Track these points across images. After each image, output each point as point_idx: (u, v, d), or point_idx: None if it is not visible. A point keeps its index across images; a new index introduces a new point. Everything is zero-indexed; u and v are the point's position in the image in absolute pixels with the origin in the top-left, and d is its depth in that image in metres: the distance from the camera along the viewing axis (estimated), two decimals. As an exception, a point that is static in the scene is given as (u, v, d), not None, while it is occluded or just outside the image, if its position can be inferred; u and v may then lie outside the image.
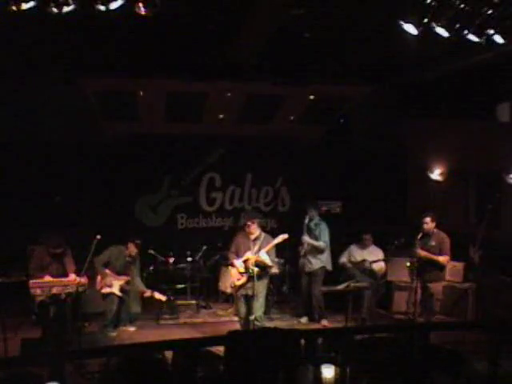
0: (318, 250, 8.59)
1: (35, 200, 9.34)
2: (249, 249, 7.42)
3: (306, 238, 8.55)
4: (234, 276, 7.58)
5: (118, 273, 7.97)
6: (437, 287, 7.87)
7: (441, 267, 7.82)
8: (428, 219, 7.78)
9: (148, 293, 8.10)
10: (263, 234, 7.56)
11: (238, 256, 7.50)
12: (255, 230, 7.50)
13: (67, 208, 9.52)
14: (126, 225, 9.94)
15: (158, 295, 8.07)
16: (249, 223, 7.51)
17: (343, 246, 9.08)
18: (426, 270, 7.75)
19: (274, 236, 7.57)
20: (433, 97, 9.14)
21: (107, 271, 7.91)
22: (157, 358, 4.49)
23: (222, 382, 4.51)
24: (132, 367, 4.29)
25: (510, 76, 8.02)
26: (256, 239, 7.47)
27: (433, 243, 7.79)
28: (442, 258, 7.74)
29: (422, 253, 7.72)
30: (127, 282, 8.00)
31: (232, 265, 7.60)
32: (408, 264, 8.18)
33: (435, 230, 7.84)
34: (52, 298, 7.13)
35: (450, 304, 8.55)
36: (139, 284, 8.21)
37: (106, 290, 7.90)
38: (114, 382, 4.38)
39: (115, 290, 7.90)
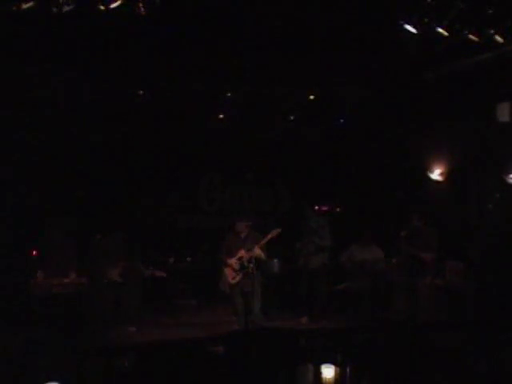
0: (320, 248, 8.60)
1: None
2: (240, 247, 7.55)
3: (313, 238, 8.55)
4: (229, 275, 7.68)
5: (118, 260, 7.99)
6: (424, 285, 7.98)
7: (428, 264, 7.93)
8: (415, 216, 7.96)
9: (148, 272, 8.23)
10: (252, 232, 7.70)
11: (231, 256, 7.63)
12: (243, 229, 7.68)
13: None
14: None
15: (158, 273, 8.32)
16: (237, 223, 7.74)
17: (343, 246, 9.08)
18: (413, 267, 7.87)
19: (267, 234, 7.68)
20: (433, 97, 9.14)
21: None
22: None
23: (222, 382, 4.51)
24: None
25: (510, 76, 8.01)
26: (246, 237, 7.58)
27: (420, 241, 7.91)
28: (426, 255, 7.87)
29: (410, 250, 7.88)
30: (126, 267, 7.99)
31: (226, 264, 7.69)
32: (394, 260, 8.28)
33: (423, 228, 7.97)
34: (53, 297, 7.15)
35: (449, 303, 8.55)
36: (140, 266, 8.28)
37: (107, 278, 7.91)
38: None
39: (114, 275, 7.90)
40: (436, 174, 9.87)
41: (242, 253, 7.54)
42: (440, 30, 5.86)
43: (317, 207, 9.95)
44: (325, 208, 10.40)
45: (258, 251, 7.43)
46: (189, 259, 9.54)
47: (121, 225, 8.30)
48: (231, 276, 7.63)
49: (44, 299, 7.15)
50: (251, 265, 7.37)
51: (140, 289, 8.31)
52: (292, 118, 10.53)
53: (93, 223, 9.12)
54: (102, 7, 5.26)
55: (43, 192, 9.26)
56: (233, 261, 7.57)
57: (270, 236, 7.55)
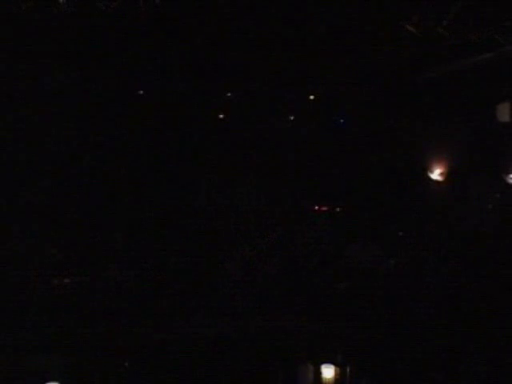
0: (319, 248, 8.63)
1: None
2: (244, 245, 7.61)
3: (313, 238, 8.61)
4: (232, 273, 7.71)
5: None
6: (423, 284, 8.05)
7: (426, 264, 8.01)
8: (414, 216, 8.09)
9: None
10: (254, 231, 7.77)
11: (234, 254, 7.67)
12: (245, 228, 7.71)
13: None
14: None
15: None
16: (238, 222, 7.77)
17: (343, 246, 9.08)
18: (412, 267, 7.99)
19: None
20: (433, 97, 9.14)
21: None
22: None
23: (222, 381, 4.51)
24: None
25: (510, 76, 8.02)
26: (248, 236, 7.66)
27: (419, 241, 8.00)
28: (424, 255, 7.95)
29: (409, 249, 7.97)
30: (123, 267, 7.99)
31: (231, 262, 7.72)
32: (392, 260, 8.33)
33: (422, 228, 8.06)
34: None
35: (448, 303, 8.55)
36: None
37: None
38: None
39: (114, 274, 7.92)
40: (436, 174, 9.87)
41: (246, 251, 7.58)
42: (440, 30, 5.86)
43: (317, 207, 9.96)
44: (325, 208, 10.39)
45: (266, 250, 7.54)
46: (188, 259, 9.52)
47: (120, 225, 8.29)
48: (234, 273, 7.65)
49: (44, 299, 7.16)
50: (256, 263, 7.45)
51: (138, 288, 8.29)
52: (292, 118, 10.53)
53: (92, 223, 9.12)
54: (102, 7, 5.26)
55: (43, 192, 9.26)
56: (238, 258, 7.62)
57: (276, 235, 7.62)
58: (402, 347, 5.36)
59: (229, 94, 9.43)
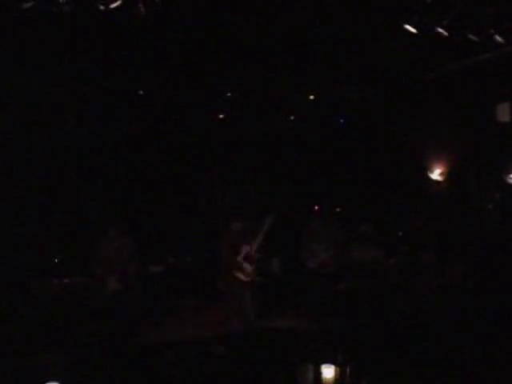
0: (320, 248, 8.64)
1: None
2: (243, 245, 7.68)
3: (313, 238, 8.63)
4: (240, 274, 7.73)
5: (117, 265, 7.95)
6: (424, 285, 8.06)
7: (426, 264, 8.05)
8: (414, 216, 8.11)
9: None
10: (249, 231, 7.83)
11: (236, 254, 7.67)
12: (241, 228, 7.83)
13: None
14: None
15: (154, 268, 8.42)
16: (234, 222, 7.89)
17: (343, 246, 9.08)
18: (412, 267, 8.01)
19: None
20: (433, 97, 9.15)
21: None
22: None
23: (222, 382, 4.52)
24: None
25: (510, 76, 8.03)
26: (246, 235, 7.75)
27: (418, 241, 8.03)
28: (424, 255, 7.96)
29: (408, 249, 8.01)
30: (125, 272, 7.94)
31: (235, 263, 7.73)
32: (392, 260, 8.37)
33: (421, 228, 8.08)
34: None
35: (449, 303, 8.55)
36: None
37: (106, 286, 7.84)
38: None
39: (112, 283, 7.83)
40: (436, 174, 9.88)
41: (247, 251, 7.61)
42: (440, 29, 5.87)
43: (316, 207, 9.97)
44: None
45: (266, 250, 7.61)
46: (189, 259, 9.53)
47: (120, 225, 8.27)
48: (243, 274, 7.67)
49: (44, 299, 7.17)
50: (256, 263, 7.51)
51: (139, 292, 8.28)
52: (292, 117, 10.55)
53: (93, 223, 9.13)
54: (102, 7, 5.26)
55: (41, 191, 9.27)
56: (242, 258, 7.65)
57: (266, 227, 7.68)
58: (403, 347, 5.36)
59: (229, 94, 9.43)
